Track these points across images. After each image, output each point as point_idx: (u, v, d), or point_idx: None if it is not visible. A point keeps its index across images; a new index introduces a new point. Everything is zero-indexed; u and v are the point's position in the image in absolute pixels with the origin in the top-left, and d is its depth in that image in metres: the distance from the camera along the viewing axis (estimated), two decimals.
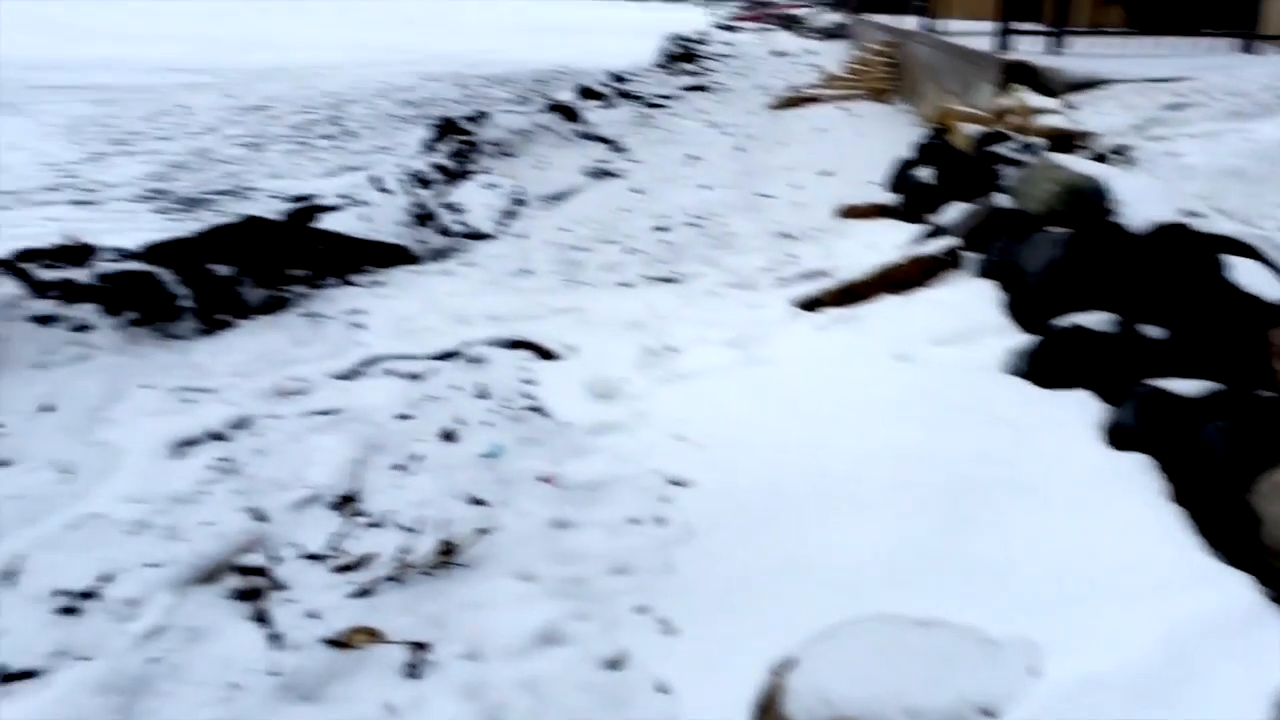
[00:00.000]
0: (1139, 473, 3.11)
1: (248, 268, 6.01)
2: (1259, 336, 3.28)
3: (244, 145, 12.81)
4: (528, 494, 3.76)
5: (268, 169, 11.23)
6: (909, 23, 15.58)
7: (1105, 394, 3.61)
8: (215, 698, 2.77)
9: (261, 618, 3.09)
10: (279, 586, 3.24)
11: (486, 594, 3.13)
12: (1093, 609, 2.56)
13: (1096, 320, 3.86)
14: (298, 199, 7.26)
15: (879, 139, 10.64)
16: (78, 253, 5.58)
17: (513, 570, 3.26)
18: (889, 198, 7.66)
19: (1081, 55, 8.50)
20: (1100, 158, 5.42)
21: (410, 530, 3.51)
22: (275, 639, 2.98)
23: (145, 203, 9.59)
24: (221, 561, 3.36)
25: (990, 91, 8.10)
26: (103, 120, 14.46)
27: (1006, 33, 9.02)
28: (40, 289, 5.16)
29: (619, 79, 15.66)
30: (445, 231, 7.80)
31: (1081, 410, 3.62)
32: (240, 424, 4.42)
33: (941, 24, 13.74)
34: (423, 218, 7.77)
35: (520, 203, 8.78)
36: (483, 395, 4.66)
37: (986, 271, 4.98)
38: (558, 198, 9.11)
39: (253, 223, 6.49)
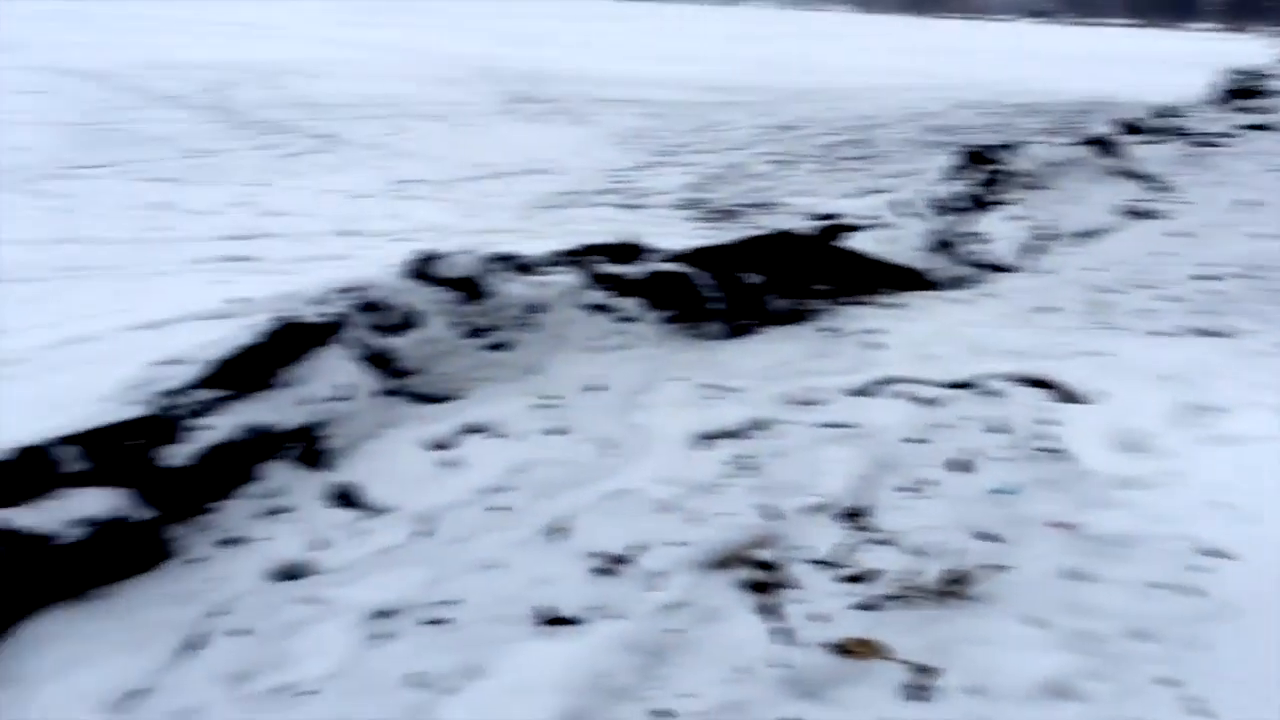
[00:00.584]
0: None
1: (774, 278, 6.31)
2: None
3: (774, 162, 13.44)
4: (1041, 538, 3.61)
5: (795, 186, 11.71)
6: None
7: None
8: (722, 677, 2.94)
9: (769, 611, 3.23)
10: (787, 585, 3.38)
11: (994, 632, 3.05)
12: None
13: None
14: (823, 217, 7.49)
15: None
16: (629, 251, 6.17)
17: (1022, 613, 3.14)
18: None
19: None
20: None
21: (918, 553, 3.50)
22: (781, 634, 3.11)
23: (683, 210, 10.38)
24: (735, 551, 3.56)
25: None
26: (650, 132, 15.83)
27: None
28: (598, 280, 5.76)
29: (1165, 113, 14.47)
30: (965, 260, 7.67)
31: None
32: (758, 425, 4.66)
33: None
34: (943, 245, 7.71)
35: (1046, 237, 8.42)
36: (997, 430, 4.54)
37: None
38: (1087, 235, 8.61)
39: (782, 236, 6.80)
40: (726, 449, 4.43)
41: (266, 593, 3.37)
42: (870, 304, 6.61)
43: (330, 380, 4.37)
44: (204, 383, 3.96)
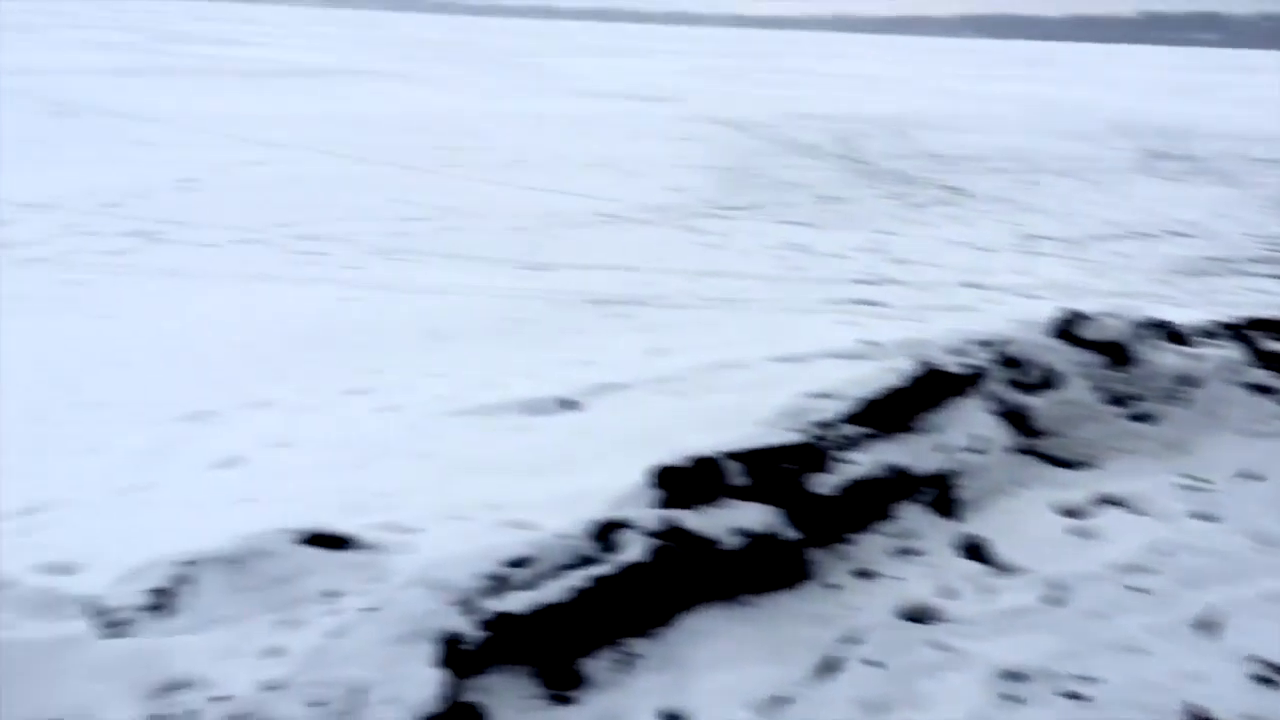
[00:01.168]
0: None
1: None
2: None
3: None
4: None
5: None
6: None
7: None
8: None
9: None
10: None
11: None
12: None
13: None
14: None
15: None
16: None
17: None
18: None
19: None
20: None
21: None
22: None
23: None
24: None
25: None
26: None
27: None
28: (1262, 358, 5.20)
29: None
30: None
31: None
32: None
33: None
34: None
35: None
36: None
37: None
38: None
39: None
40: None
41: (897, 630, 3.46)
42: None
43: (966, 430, 4.40)
44: (851, 418, 4.18)
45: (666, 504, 3.68)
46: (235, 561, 3.46)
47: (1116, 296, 7.98)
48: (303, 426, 5.10)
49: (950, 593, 3.68)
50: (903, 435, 4.26)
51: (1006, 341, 4.89)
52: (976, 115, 24.87)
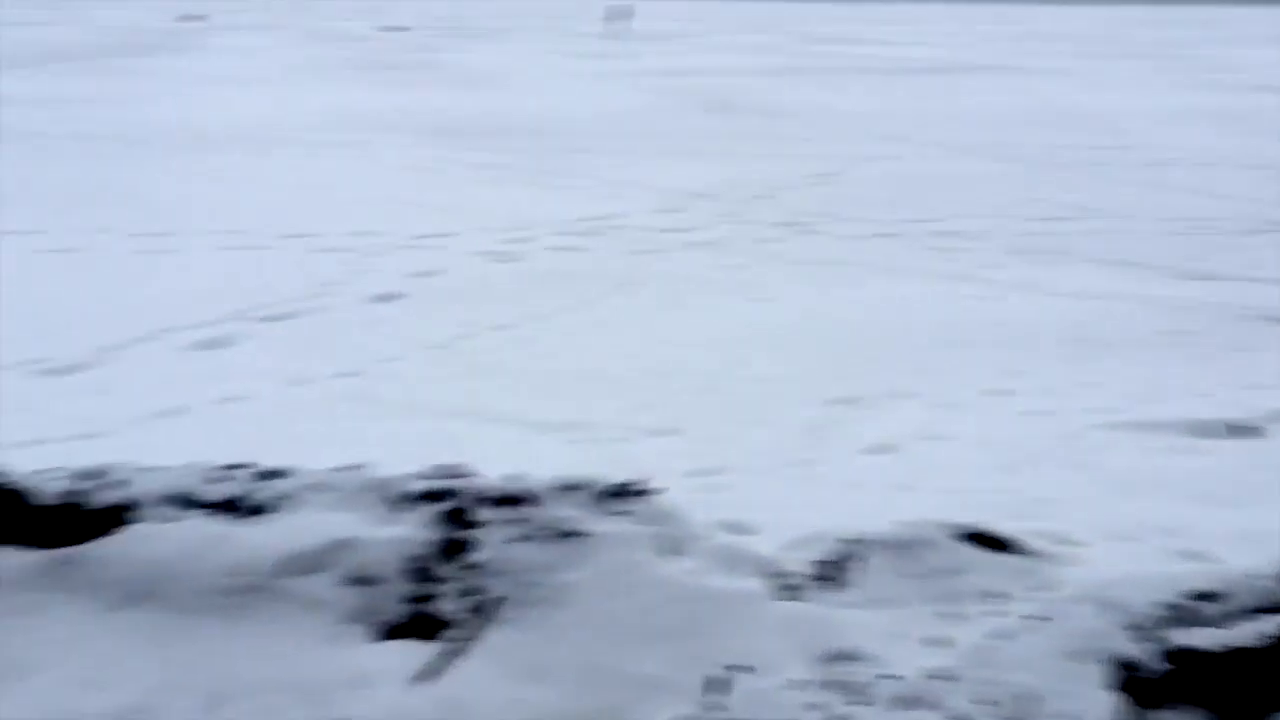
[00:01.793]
0: None
1: None
2: None
3: None
4: None
5: None
6: None
7: None
8: None
9: None
10: None
11: None
12: None
13: None
14: None
15: None
16: None
17: None
18: None
19: None
20: None
21: None
22: None
23: None
24: None
25: None
26: None
27: None
28: None
29: None
30: None
31: None
32: None
33: None
34: None
35: None
36: None
37: None
38: None
39: None
40: None
41: None
42: None
43: None
44: None
45: None
46: (899, 547, 3.57)
47: None
48: (948, 422, 5.12)
49: None
50: None
51: None
52: None
